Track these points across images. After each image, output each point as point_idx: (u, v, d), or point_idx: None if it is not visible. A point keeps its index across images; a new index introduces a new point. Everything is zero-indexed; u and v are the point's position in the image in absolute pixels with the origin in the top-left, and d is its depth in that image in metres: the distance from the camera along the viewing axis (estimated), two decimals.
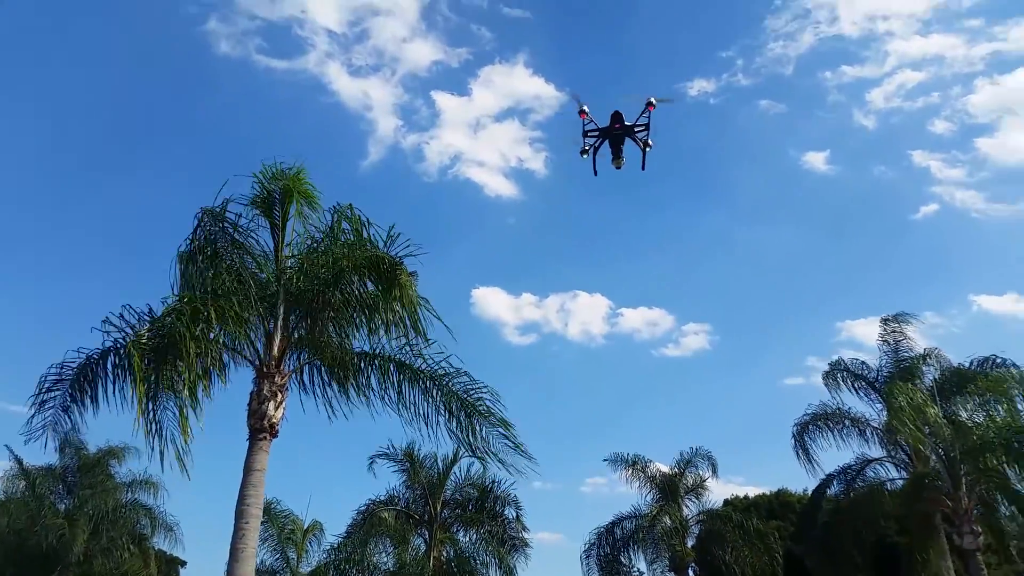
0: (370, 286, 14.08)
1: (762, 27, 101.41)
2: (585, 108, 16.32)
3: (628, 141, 16.71)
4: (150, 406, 11.84)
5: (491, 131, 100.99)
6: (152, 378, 11.84)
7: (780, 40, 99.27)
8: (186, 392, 11.67)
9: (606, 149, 16.87)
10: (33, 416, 13.19)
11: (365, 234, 14.31)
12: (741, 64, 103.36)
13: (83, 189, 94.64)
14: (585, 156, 16.51)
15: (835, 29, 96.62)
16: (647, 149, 16.42)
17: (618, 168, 16.70)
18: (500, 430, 14.30)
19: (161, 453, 11.77)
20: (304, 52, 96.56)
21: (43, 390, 13.24)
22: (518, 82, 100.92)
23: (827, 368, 26.88)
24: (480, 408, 14.32)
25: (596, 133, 16.55)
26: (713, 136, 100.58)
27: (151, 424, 11.76)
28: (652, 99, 15.95)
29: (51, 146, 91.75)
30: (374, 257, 13.78)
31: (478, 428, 14.36)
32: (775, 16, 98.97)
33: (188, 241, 14.36)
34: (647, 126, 16.22)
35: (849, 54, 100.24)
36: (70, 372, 13.24)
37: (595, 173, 16.86)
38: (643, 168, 16.56)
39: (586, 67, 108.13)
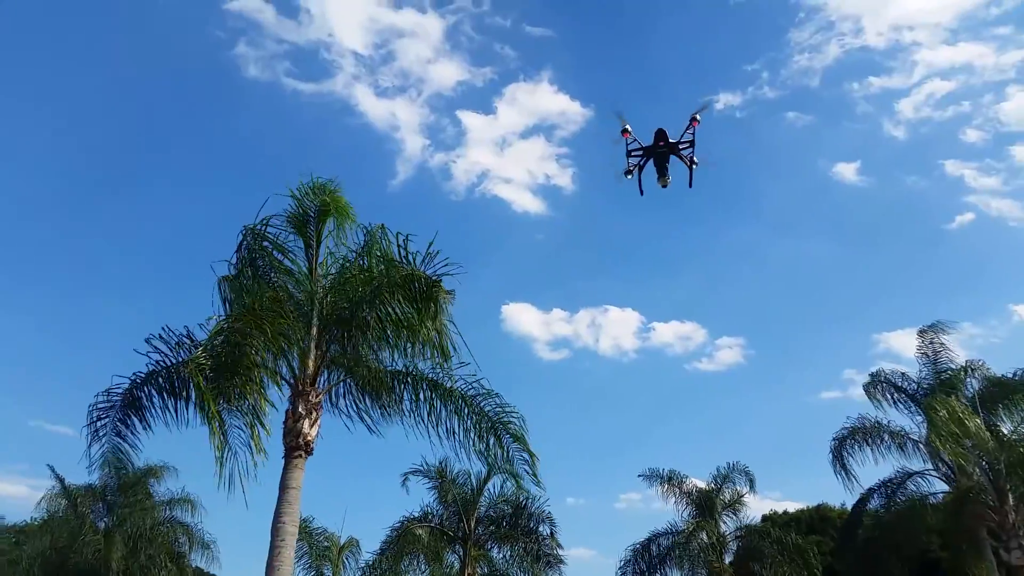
0: (405, 305, 14.07)
1: (786, 40, 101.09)
2: (628, 128, 15.94)
3: (673, 159, 16.33)
4: (218, 426, 11.95)
5: (517, 148, 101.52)
6: (216, 398, 11.97)
7: (805, 52, 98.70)
8: (260, 403, 12.01)
9: (650, 169, 16.55)
10: (90, 445, 13.34)
11: (402, 253, 14.22)
12: (766, 77, 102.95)
13: (110, 209, 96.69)
14: (629, 177, 16.17)
15: (860, 40, 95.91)
16: (693, 167, 16.06)
17: (664, 187, 16.31)
18: (525, 456, 14.36)
19: (222, 468, 11.91)
20: (331, 75, 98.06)
21: (95, 419, 13.32)
22: (543, 99, 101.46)
23: (868, 379, 26.30)
24: (511, 430, 14.35)
25: (640, 152, 16.17)
26: (741, 149, 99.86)
27: (221, 443, 11.85)
28: (696, 115, 15.60)
29: (80, 166, 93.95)
30: (410, 276, 13.80)
31: (507, 450, 14.39)
32: (799, 29, 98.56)
33: (234, 259, 14.54)
34: (692, 142, 15.84)
35: (876, 65, 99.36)
36: (117, 398, 13.32)
37: (641, 193, 16.54)
38: (690, 186, 16.21)
39: (610, 83, 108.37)
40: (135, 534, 26.91)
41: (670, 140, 15.91)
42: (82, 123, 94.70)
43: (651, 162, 16.37)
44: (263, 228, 14.74)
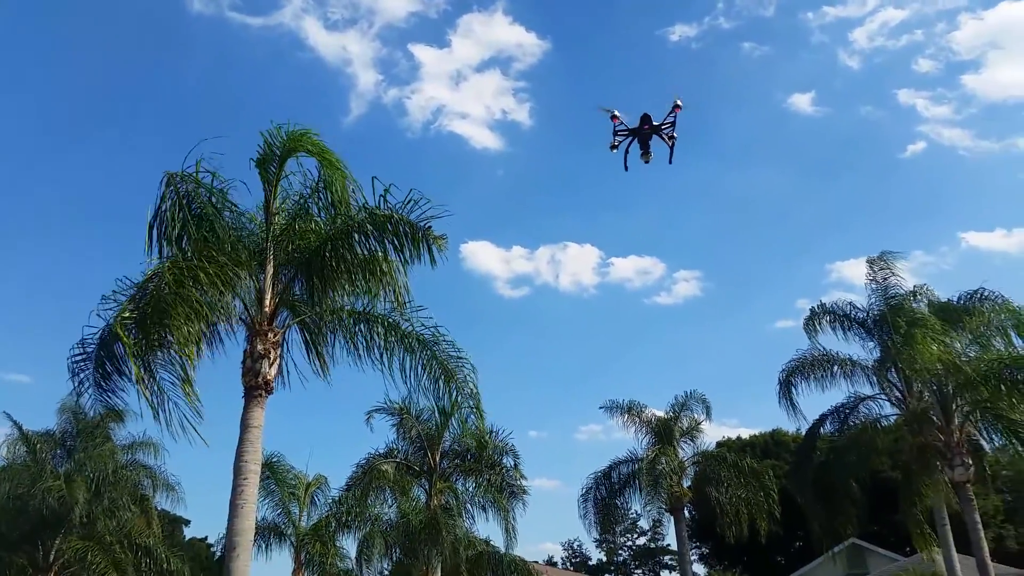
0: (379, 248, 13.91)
1: None
2: (617, 112, 17.81)
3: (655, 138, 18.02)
4: (147, 378, 11.84)
5: (473, 82, 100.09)
6: (144, 348, 11.77)
7: None
8: (189, 353, 11.74)
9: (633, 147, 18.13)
10: (79, 396, 13.47)
11: (381, 203, 13.87)
12: (722, 7, 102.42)
13: (53, 156, 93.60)
14: (614, 151, 18.01)
15: None
16: (673, 143, 17.78)
17: (647, 163, 18.01)
18: (471, 402, 14.63)
19: (167, 420, 11.91)
20: (279, 7, 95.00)
21: (75, 373, 13.23)
22: (498, 31, 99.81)
23: (808, 315, 26.17)
24: (457, 378, 14.51)
25: (626, 133, 17.89)
26: (697, 81, 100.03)
27: (154, 395, 11.81)
28: (678, 101, 17.37)
29: (17, 113, 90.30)
30: (388, 218, 13.58)
31: (454, 394, 14.62)
32: None
33: (156, 205, 13.72)
34: (673, 123, 17.53)
35: None
36: (92, 349, 13.20)
37: (625, 169, 18.33)
38: (670, 162, 18.12)
39: (567, 13, 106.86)
40: (97, 478, 26.78)
41: (654, 123, 17.72)
42: (15, 67, 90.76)
43: (636, 141, 18.11)
44: (195, 171, 13.94)
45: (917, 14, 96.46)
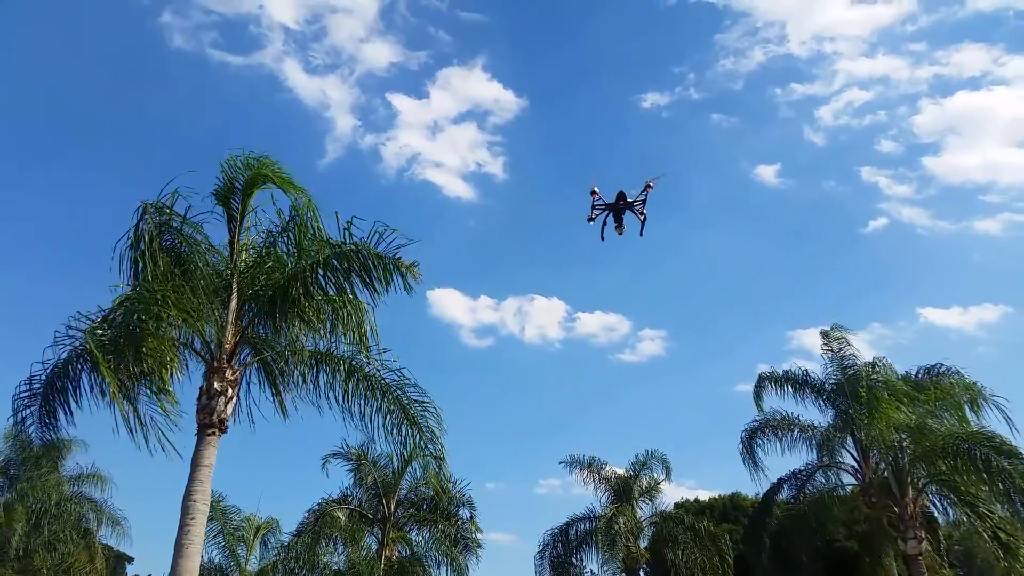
0: (344, 284, 13.68)
1: (712, 43, 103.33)
2: (596, 189, 19.51)
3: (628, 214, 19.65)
4: (124, 400, 11.73)
5: (449, 133, 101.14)
6: (119, 369, 11.61)
7: (731, 56, 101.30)
8: (164, 376, 11.76)
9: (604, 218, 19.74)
10: (17, 434, 13.04)
11: (346, 236, 13.70)
12: (693, 79, 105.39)
13: (26, 186, 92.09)
14: (591, 222, 19.68)
15: (784, 48, 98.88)
16: (644, 219, 19.39)
17: (620, 234, 19.76)
18: (433, 448, 14.13)
19: (146, 441, 11.96)
20: (260, 48, 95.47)
21: (17, 409, 12.98)
22: (476, 86, 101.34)
23: (757, 380, 26.29)
24: (419, 423, 14.06)
25: (603, 207, 19.54)
26: (666, 147, 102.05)
27: (130, 417, 11.73)
28: (650, 182, 19.15)
29: None
30: (355, 251, 13.39)
31: (415, 441, 14.15)
32: (725, 33, 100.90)
33: (131, 233, 13.24)
34: (644, 201, 19.17)
35: (798, 72, 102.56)
36: (39, 385, 12.96)
37: (602, 239, 19.96)
38: (641, 235, 19.73)
39: (544, 74, 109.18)
40: (38, 509, 25.85)
41: (628, 199, 19.35)
42: None
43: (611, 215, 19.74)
44: (170, 203, 13.60)
45: (881, 96, 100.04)
